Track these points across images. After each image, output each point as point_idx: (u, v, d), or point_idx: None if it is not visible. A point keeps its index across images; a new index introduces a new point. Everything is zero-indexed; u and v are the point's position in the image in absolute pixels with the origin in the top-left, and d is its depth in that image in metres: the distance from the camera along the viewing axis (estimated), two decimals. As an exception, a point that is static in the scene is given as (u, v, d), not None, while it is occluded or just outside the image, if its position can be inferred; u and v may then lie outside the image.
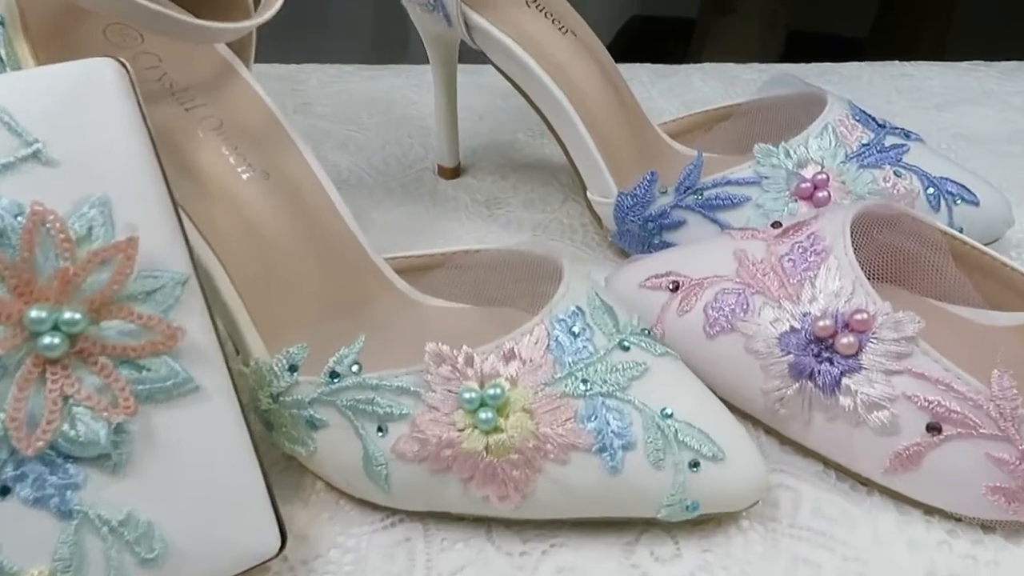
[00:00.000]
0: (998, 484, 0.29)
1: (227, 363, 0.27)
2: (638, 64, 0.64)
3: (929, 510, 0.31)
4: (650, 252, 0.42)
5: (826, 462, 0.33)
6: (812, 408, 0.32)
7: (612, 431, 0.29)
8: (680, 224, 0.41)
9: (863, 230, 0.35)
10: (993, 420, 0.29)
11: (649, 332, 0.32)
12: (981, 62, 0.64)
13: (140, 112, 0.25)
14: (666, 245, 0.41)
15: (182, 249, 0.26)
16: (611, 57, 0.44)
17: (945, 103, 0.57)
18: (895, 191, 0.40)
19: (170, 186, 0.26)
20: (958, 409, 0.29)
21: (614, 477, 0.29)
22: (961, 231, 0.40)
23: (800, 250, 0.33)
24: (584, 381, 0.29)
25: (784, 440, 0.34)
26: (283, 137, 0.34)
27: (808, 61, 0.82)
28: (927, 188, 0.40)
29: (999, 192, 0.41)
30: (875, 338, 0.30)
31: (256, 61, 0.65)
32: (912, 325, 0.30)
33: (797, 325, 0.32)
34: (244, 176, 0.32)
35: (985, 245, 0.42)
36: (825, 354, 0.31)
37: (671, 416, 0.29)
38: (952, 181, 0.40)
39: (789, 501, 0.32)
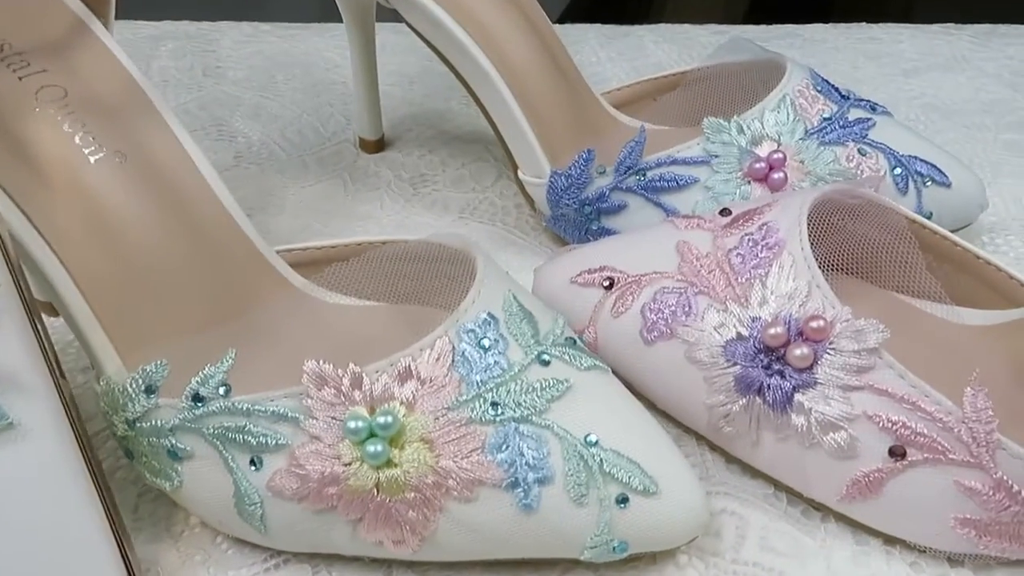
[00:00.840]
0: (968, 516, 0.25)
1: (60, 387, 0.23)
2: (588, 24, 0.59)
3: (890, 540, 0.27)
4: (587, 239, 0.37)
5: (777, 484, 0.29)
6: (761, 427, 0.28)
7: (526, 463, 0.24)
8: (620, 208, 0.36)
9: (823, 217, 0.30)
10: (964, 445, 0.25)
11: (576, 341, 0.27)
12: (953, 25, 0.60)
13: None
14: (605, 231, 0.37)
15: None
16: (547, 18, 0.39)
17: (915, 69, 0.53)
18: (859, 171, 0.35)
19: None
20: (925, 431, 0.25)
21: (528, 516, 0.24)
22: (931, 216, 0.36)
23: (750, 243, 0.28)
24: (494, 404, 0.25)
25: (731, 458, 0.30)
26: (146, 110, 0.29)
27: (773, 22, 0.77)
28: (894, 168, 0.36)
29: (972, 172, 0.37)
30: (832, 349, 0.26)
31: (167, 17, 0.59)
32: (875, 335, 0.26)
33: (745, 332, 0.27)
34: (93, 159, 0.27)
35: (957, 231, 0.38)
36: (776, 366, 0.27)
37: (596, 444, 0.25)
38: (922, 160, 0.36)
39: (733, 531, 0.28)
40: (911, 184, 0.36)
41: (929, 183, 0.36)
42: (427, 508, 0.24)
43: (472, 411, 0.25)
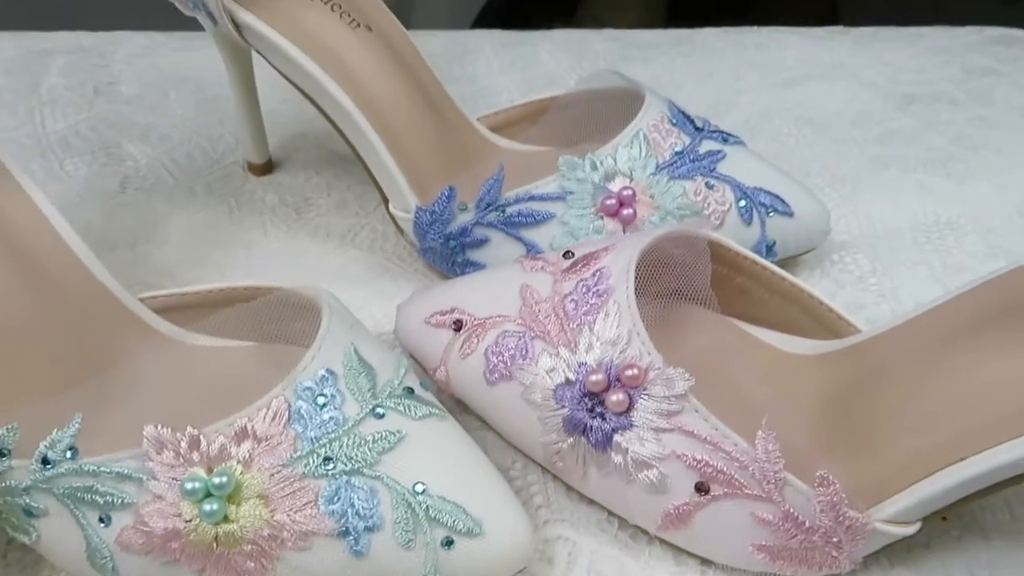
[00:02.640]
0: (763, 542, 0.28)
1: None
2: (485, 31, 0.60)
3: (705, 562, 0.30)
4: (454, 269, 0.39)
5: (610, 511, 0.32)
6: (587, 463, 0.30)
7: (356, 512, 0.26)
8: (483, 242, 0.38)
9: (667, 260, 0.33)
10: (757, 481, 0.28)
11: (413, 391, 0.29)
12: (840, 28, 0.62)
13: None
14: (471, 263, 0.39)
15: None
16: (417, 50, 0.40)
17: (794, 78, 0.55)
18: (706, 204, 0.38)
19: None
20: (724, 469, 0.28)
21: (360, 560, 0.27)
22: (774, 244, 0.39)
23: (583, 289, 0.31)
24: (327, 459, 0.27)
25: (571, 486, 0.32)
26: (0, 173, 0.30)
27: (695, 11, 0.78)
28: (739, 201, 0.38)
29: (816, 200, 0.40)
30: (646, 394, 0.29)
31: (65, 26, 0.58)
32: (682, 383, 0.28)
33: (572, 377, 0.30)
34: (-61, 230, 0.28)
35: (803, 254, 0.41)
36: (598, 409, 0.29)
37: (424, 492, 0.27)
38: (766, 192, 0.38)
39: (566, 557, 0.30)
40: (755, 215, 0.38)
41: (772, 213, 0.38)
42: (264, 558, 0.26)
43: (306, 466, 0.26)
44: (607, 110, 0.41)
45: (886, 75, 0.56)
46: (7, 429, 0.27)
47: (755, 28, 0.61)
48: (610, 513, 0.32)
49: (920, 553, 0.31)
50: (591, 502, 0.32)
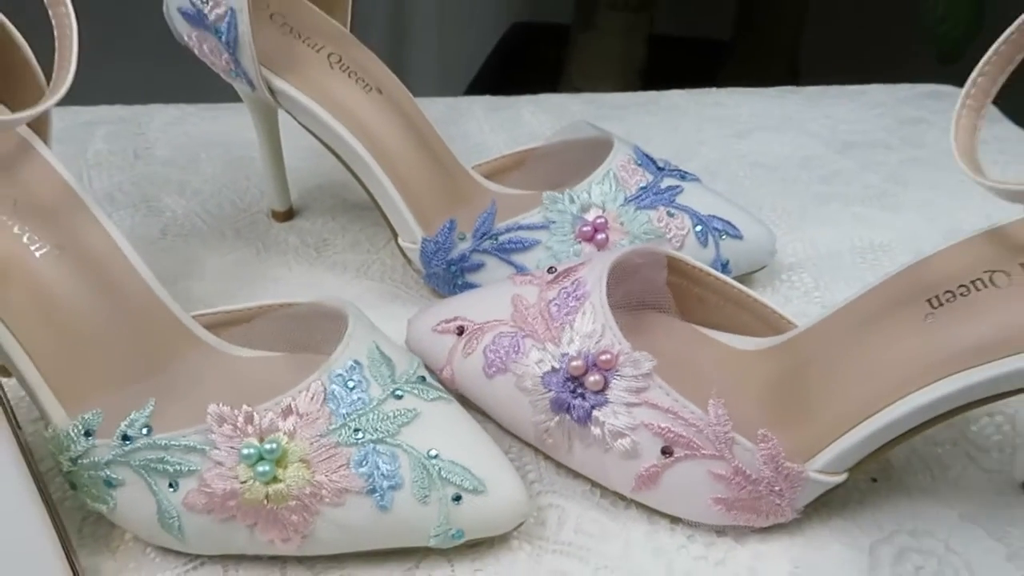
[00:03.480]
0: (719, 496, 0.34)
1: (17, 435, 0.30)
2: (476, 96, 0.68)
3: (674, 519, 0.36)
4: (456, 291, 0.45)
5: (593, 483, 0.37)
6: (571, 437, 0.36)
7: (381, 474, 0.32)
8: (480, 266, 0.44)
9: (633, 270, 0.39)
10: (711, 442, 0.33)
11: (425, 379, 0.35)
12: (791, 88, 0.70)
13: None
14: (469, 285, 0.45)
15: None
16: (420, 109, 0.48)
17: (747, 130, 0.63)
18: (667, 229, 0.44)
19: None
20: (684, 434, 0.34)
21: (385, 514, 0.32)
22: (727, 262, 0.45)
23: (564, 295, 0.37)
24: (356, 430, 0.32)
25: (559, 465, 0.38)
26: (80, 209, 0.36)
27: (671, 66, 0.86)
28: (696, 226, 0.45)
29: (763, 226, 0.47)
30: (618, 375, 0.35)
31: (103, 101, 0.66)
32: (647, 363, 0.34)
33: (557, 365, 0.36)
34: (38, 253, 0.35)
35: (755, 272, 0.47)
36: (579, 390, 0.35)
37: (436, 456, 0.33)
38: (719, 218, 0.45)
39: (555, 519, 0.36)
40: (710, 238, 0.45)
41: (724, 236, 0.45)
42: (306, 512, 0.32)
43: (339, 436, 0.32)
44: (581, 155, 0.48)
45: (828, 126, 0.64)
46: (92, 414, 0.33)
47: (715, 89, 0.69)
48: (593, 484, 0.37)
49: (855, 508, 0.36)
50: (576, 476, 0.37)
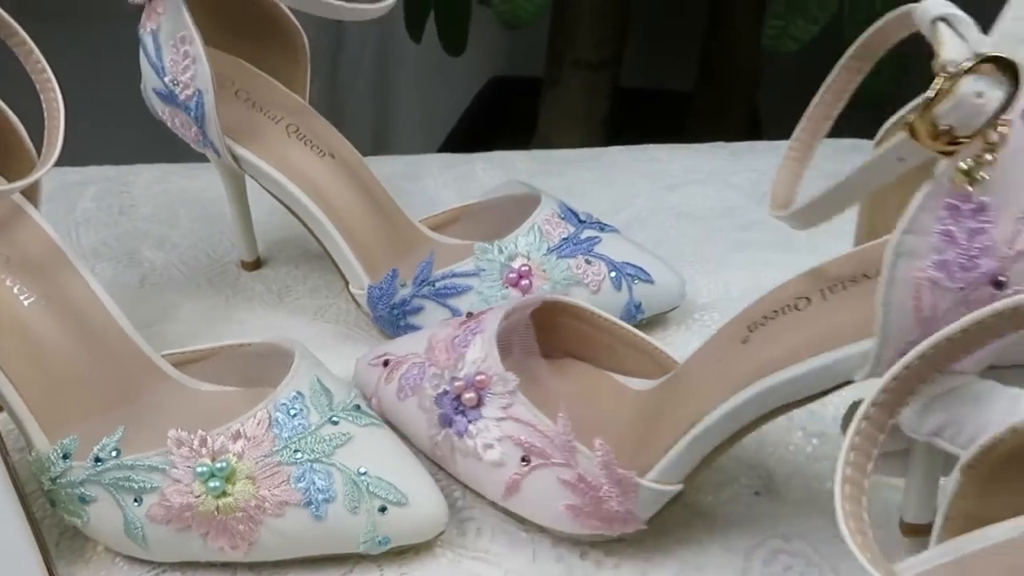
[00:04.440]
0: (570, 503, 0.38)
1: (6, 460, 0.35)
2: (434, 154, 0.74)
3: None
4: (399, 332, 0.51)
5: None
6: (454, 449, 0.41)
7: (317, 488, 0.37)
8: (420, 309, 0.50)
9: (552, 318, 0.45)
10: (559, 450, 0.38)
11: (359, 407, 0.41)
12: (721, 143, 0.76)
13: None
14: (411, 326, 0.51)
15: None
16: (369, 170, 0.54)
17: (677, 184, 0.69)
18: (584, 276, 0.50)
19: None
20: (538, 444, 0.38)
21: (320, 523, 0.37)
22: (640, 304, 0.51)
23: (467, 332, 0.42)
24: (296, 451, 0.38)
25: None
26: (64, 264, 0.42)
27: (635, 118, 0.91)
28: (611, 272, 0.51)
29: (673, 271, 0.52)
30: (490, 393, 0.40)
31: (92, 162, 0.72)
32: (512, 382, 0.39)
33: (447, 388, 0.41)
34: (26, 303, 0.40)
35: (666, 312, 0.53)
36: (460, 407, 0.40)
37: (365, 473, 0.38)
38: (632, 265, 0.51)
39: (474, 530, 0.41)
40: (624, 282, 0.51)
41: (637, 281, 0.51)
42: (251, 522, 0.37)
43: (281, 456, 0.38)
44: (513, 210, 0.54)
45: (752, 179, 0.70)
46: (70, 439, 0.38)
47: (652, 146, 0.76)
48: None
49: (737, 518, 0.41)
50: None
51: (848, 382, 0.35)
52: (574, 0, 1.03)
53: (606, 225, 0.53)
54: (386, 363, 0.44)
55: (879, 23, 0.35)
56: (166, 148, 0.74)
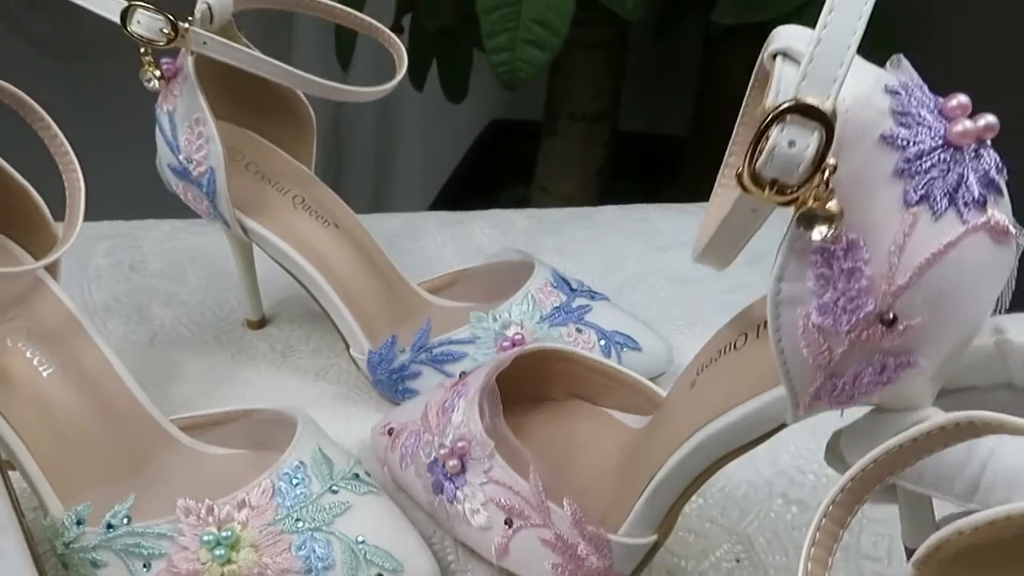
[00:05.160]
0: (554, 562, 0.40)
1: (22, 523, 0.37)
2: (433, 212, 0.77)
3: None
4: (398, 396, 0.53)
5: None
6: (448, 514, 0.43)
7: (317, 556, 0.39)
8: (417, 374, 0.52)
9: (548, 365, 0.47)
10: (535, 511, 0.40)
11: (358, 475, 0.43)
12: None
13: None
14: (409, 390, 0.53)
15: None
16: (372, 238, 0.56)
17: (667, 245, 0.72)
18: (576, 343, 0.52)
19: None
20: (516, 505, 0.40)
21: (319, 591, 0.39)
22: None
23: (455, 395, 0.44)
24: (298, 520, 0.40)
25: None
26: (81, 333, 0.45)
27: (633, 163, 0.93)
28: (600, 340, 0.53)
29: (661, 339, 0.55)
30: (472, 458, 0.42)
31: (104, 216, 0.74)
32: (489, 445, 0.41)
33: (436, 455, 0.43)
34: (45, 373, 0.43)
35: (655, 378, 0.55)
36: (448, 474, 0.42)
37: (363, 542, 0.40)
38: (621, 333, 0.53)
39: (467, 593, 0.43)
40: (613, 350, 0.53)
41: (625, 349, 0.53)
42: (254, 588, 0.39)
43: (284, 525, 0.40)
44: (508, 275, 0.56)
45: (740, 240, 0.72)
46: (84, 506, 0.40)
47: (643, 205, 0.78)
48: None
49: (717, 585, 0.43)
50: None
51: (783, 425, 0.34)
52: (569, 57, 1.06)
53: (596, 293, 0.56)
54: (390, 431, 0.46)
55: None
56: (175, 200, 0.77)
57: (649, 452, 0.40)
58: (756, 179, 0.27)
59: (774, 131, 0.26)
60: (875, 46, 0.31)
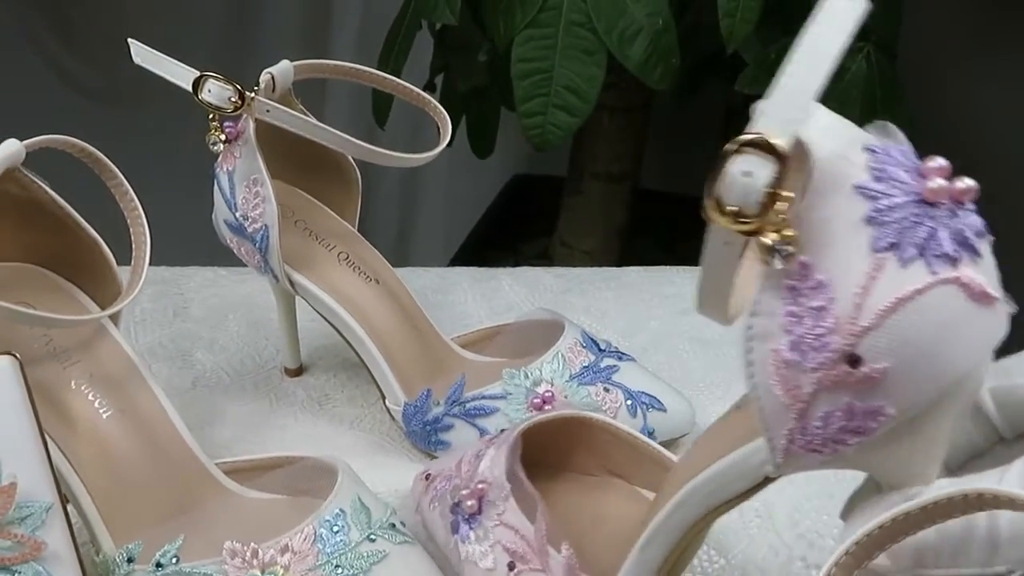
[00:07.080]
0: None
1: (80, 558, 0.39)
2: (463, 268, 0.80)
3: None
4: (430, 447, 0.55)
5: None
6: (462, 555, 0.44)
7: (356, 601, 0.41)
8: (450, 427, 0.54)
9: (591, 435, 0.49)
10: (536, 554, 0.41)
11: (395, 525, 0.45)
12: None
13: (26, 393, 0.38)
14: (442, 443, 0.55)
15: (49, 484, 0.38)
16: (411, 295, 0.59)
17: (690, 308, 0.73)
18: (603, 403, 0.54)
19: (45, 439, 0.39)
20: (519, 549, 0.42)
21: (356, 630, 0.41)
22: (653, 431, 0.55)
23: (488, 445, 0.47)
24: (337, 566, 0.42)
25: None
26: (138, 378, 0.47)
27: (651, 223, 0.95)
28: (627, 400, 0.55)
29: (685, 399, 0.57)
30: (488, 500, 0.44)
31: (154, 264, 0.77)
32: (505, 489, 0.43)
33: (459, 497, 0.45)
34: (104, 415, 0.45)
35: (677, 439, 0.57)
36: (466, 515, 0.44)
37: (399, 589, 0.42)
38: (647, 394, 0.55)
39: (494, 645, 0.44)
40: (639, 410, 0.55)
41: (651, 409, 0.55)
42: (295, 629, 0.41)
43: (324, 571, 0.42)
44: (538, 335, 0.58)
45: (761, 305, 0.75)
46: (135, 544, 0.42)
47: (669, 268, 0.81)
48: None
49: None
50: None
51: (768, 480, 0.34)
52: (595, 119, 1.10)
53: (624, 354, 0.58)
54: (427, 477, 0.48)
55: None
56: (217, 253, 0.80)
57: (648, 510, 0.41)
58: (719, 207, 0.28)
59: (732, 161, 0.28)
60: (884, 110, 0.33)
